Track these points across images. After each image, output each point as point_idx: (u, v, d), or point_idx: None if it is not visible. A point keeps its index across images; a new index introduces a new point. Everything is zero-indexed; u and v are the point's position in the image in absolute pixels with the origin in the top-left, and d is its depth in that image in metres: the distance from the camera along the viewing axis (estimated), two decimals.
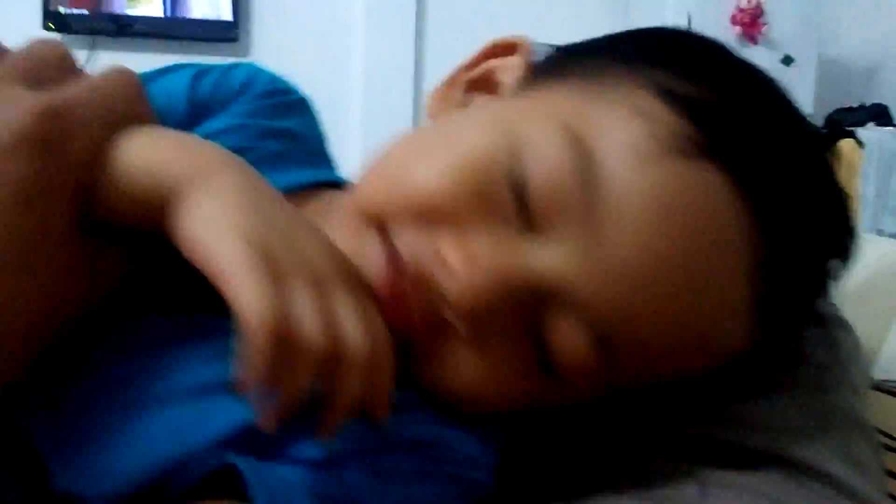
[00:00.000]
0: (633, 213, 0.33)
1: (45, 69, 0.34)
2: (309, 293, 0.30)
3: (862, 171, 3.04)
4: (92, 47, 3.18)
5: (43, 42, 0.36)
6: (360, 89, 3.23)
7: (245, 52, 3.25)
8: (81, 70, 0.37)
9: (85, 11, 3.11)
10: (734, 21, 2.87)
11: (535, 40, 0.44)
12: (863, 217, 3.02)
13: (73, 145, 0.32)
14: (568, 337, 0.35)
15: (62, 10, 3.09)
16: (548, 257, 0.34)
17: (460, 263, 0.34)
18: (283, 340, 0.29)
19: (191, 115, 0.45)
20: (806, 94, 2.94)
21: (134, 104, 0.36)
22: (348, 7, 3.23)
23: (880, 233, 2.81)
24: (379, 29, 3.22)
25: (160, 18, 3.14)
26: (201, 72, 0.48)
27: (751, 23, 2.87)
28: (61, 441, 0.32)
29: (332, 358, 0.30)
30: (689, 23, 2.86)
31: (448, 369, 0.37)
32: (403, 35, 3.24)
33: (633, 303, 0.34)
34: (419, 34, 3.28)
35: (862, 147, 3.07)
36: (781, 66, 2.91)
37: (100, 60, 3.19)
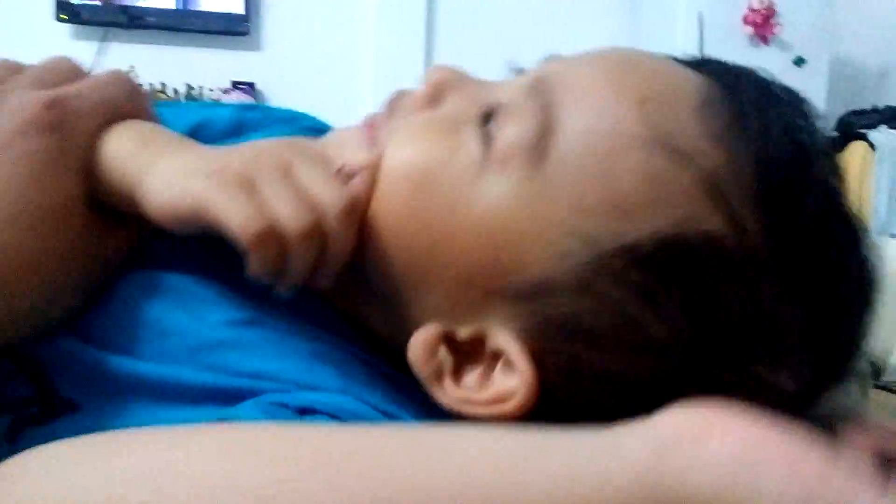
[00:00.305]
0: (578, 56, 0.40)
1: (56, 75, 0.40)
2: (274, 180, 0.35)
3: (873, 174, 3.03)
4: (103, 39, 3.19)
5: (56, 56, 0.42)
6: (371, 82, 3.23)
7: (256, 46, 3.25)
8: (88, 75, 0.42)
9: (97, 3, 3.12)
10: (746, 21, 2.86)
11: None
12: (874, 220, 3.01)
13: (75, 130, 0.37)
14: (510, 101, 0.37)
15: (74, 1, 3.10)
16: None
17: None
18: (272, 236, 0.34)
19: (234, 128, 0.50)
20: (818, 95, 2.93)
21: (129, 100, 0.41)
22: (359, 0, 3.24)
23: (893, 236, 2.80)
24: (389, 22, 3.22)
25: (171, 10, 3.15)
26: (251, 105, 0.55)
27: (763, 23, 2.85)
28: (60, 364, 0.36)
29: (317, 226, 0.35)
30: (701, 24, 2.85)
31: (401, 138, 0.38)
32: (414, 28, 3.24)
33: (573, 75, 0.37)
34: (429, 27, 3.28)
35: (874, 150, 3.06)
36: (793, 67, 2.90)
37: (111, 52, 3.20)
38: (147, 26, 3.15)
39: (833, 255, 0.34)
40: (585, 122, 0.34)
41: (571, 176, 0.34)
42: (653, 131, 0.33)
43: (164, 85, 3.18)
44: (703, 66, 0.38)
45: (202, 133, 0.45)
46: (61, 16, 3.10)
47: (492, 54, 3.32)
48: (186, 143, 0.40)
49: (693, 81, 0.36)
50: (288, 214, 0.34)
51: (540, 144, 0.34)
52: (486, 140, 0.36)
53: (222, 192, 0.34)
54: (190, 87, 3.19)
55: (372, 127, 0.40)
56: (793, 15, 2.89)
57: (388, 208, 0.37)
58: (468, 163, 0.36)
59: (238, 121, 0.50)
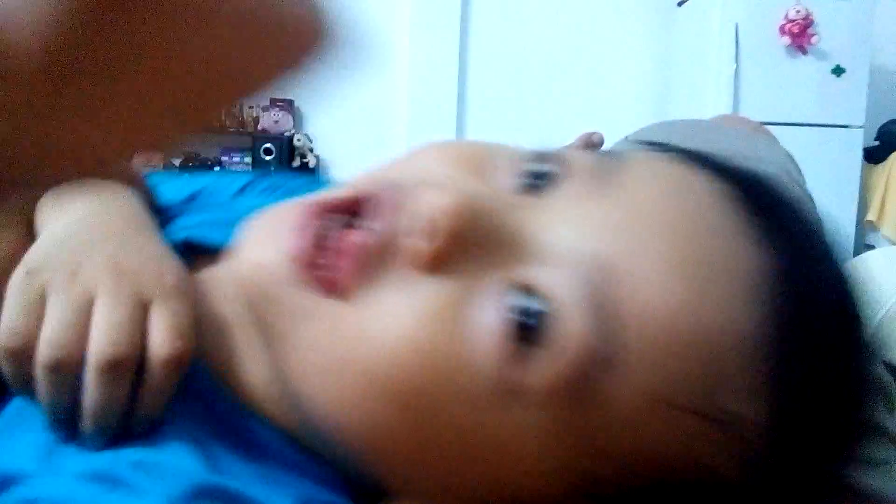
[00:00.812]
0: (637, 184, 0.31)
1: None
2: (64, 306, 0.31)
3: None
4: None
5: None
6: (406, 97, 3.27)
7: None
8: None
9: None
10: (783, 31, 2.84)
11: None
12: None
13: None
14: (555, 286, 0.28)
15: None
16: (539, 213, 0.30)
17: (437, 190, 0.30)
18: (19, 355, 0.30)
19: (239, 192, 0.51)
20: (857, 105, 2.89)
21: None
22: (393, 20, 3.28)
23: None
24: (423, 41, 3.26)
25: None
26: (264, 173, 0.54)
27: (800, 33, 2.83)
28: None
29: (70, 364, 0.30)
30: (737, 34, 2.83)
31: (381, 310, 0.29)
32: (447, 48, 3.27)
33: (633, 257, 0.28)
34: (462, 48, 3.30)
35: None
36: (832, 76, 2.87)
37: None
38: None
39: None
40: (643, 374, 0.28)
41: (606, 424, 0.28)
42: (699, 395, 0.28)
43: None
44: (774, 231, 0.31)
45: (206, 197, 0.44)
46: None
47: (526, 71, 3.32)
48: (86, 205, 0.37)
49: (755, 300, 0.29)
50: (49, 337, 0.30)
51: (590, 385, 0.28)
52: (521, 356, 0.28)
53: (14, 292, 0.31)
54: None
55: (327, 267, 0.30)
56: (831, 24, 2.85)
57: (364, 392, 0.29)
58: (493, 377, 0.28)
59: (246, 186, 0.50)
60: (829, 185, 2.86)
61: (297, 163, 3.20)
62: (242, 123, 3.25)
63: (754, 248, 0.30)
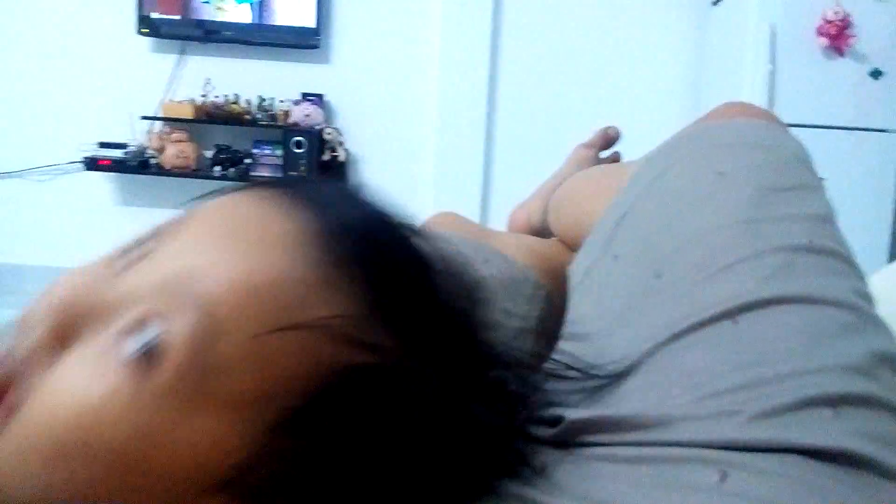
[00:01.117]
0: (198, 217, 0.40)
1: None
2: None
3: None
4: (182, 52, 3.31)
5: None
6: (436, 93, 3.27)
7: (326, 59, 3.33)
8: None
9: (176, 17, 3.25)
10: (820, 33, 2.80)
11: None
12: None
13: None
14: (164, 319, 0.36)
15: (154, 16, 3.23)
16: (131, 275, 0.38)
17: (46, 295, 0.38)
18: None
19: None
20: (895, 109, 2.84)
21: None
22: (425, 17, 3.28)
23: None
24: (454, 38, 3.26)
25: (246, 24, 3.25)
26: None
27: (837, 35, 2.79)
28: None
29: None
30: (774, 35, 2.80)
31: (40, 395, 0.36)
32: (477, 45, 3.27)
33: (209, 281, 0.36)
34: (493, 45, 3.30)
35: None
36: (869, 79, 2.82)
37: (189, 64, 3.32)
38: (223, 40, 3.26)
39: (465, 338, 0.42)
40: (243, 325, 0.36)
41: (241, 372, 0.36)
42: (291, 315, 0.36)
43: (237, 96, 3.28)
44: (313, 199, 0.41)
45: None
46: (142, 30, 3.23)
47: (558, 70, 3.32)
48: None
49: (296, 243, 0.38)
50: None
51: (210, 355, 0.35)
52: (144, 372, 0.35)
53: None
54: (262, 99, 3.29)
55: None
56: (869, 26, 2.81)
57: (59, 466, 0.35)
58: (133, 397, 0.35)
59: None
60: (864, 190, 2.82)
61: (326, 156, 3.22)
62: (273, 117, 3.28)
63: (289, 218, 0.40)
